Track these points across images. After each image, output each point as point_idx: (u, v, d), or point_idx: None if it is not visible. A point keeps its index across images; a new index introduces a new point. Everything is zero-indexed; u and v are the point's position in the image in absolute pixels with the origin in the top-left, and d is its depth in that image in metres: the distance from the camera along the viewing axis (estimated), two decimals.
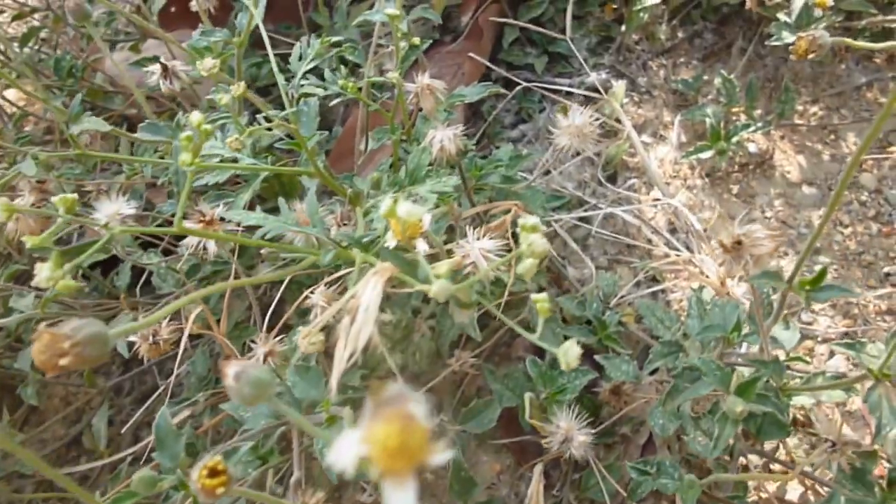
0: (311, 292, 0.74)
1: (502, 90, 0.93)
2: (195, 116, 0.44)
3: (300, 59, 0.76)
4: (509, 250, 0.79)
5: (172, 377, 1.02)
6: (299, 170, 0.72)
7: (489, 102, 1.37)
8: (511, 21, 1.31)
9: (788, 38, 1.16)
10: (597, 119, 0.74)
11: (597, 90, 1.32)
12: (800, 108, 1.33)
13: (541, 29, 1.28)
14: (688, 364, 0.73)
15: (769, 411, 0.67)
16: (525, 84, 1.25)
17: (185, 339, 0.74)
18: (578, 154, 1.30)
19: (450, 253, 0.75)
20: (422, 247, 0.50)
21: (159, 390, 1.04)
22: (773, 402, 0.67)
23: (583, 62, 1.27)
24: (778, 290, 0.69)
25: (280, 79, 0.69)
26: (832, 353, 1.11)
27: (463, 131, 1.31)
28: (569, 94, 1.32)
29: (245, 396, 0.38)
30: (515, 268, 0.89)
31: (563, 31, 1.33)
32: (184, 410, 0.97)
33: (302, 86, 0.75)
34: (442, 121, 0.79)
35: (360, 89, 0.75)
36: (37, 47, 1.29)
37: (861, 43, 0.66)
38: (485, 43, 1.34)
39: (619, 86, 1.30)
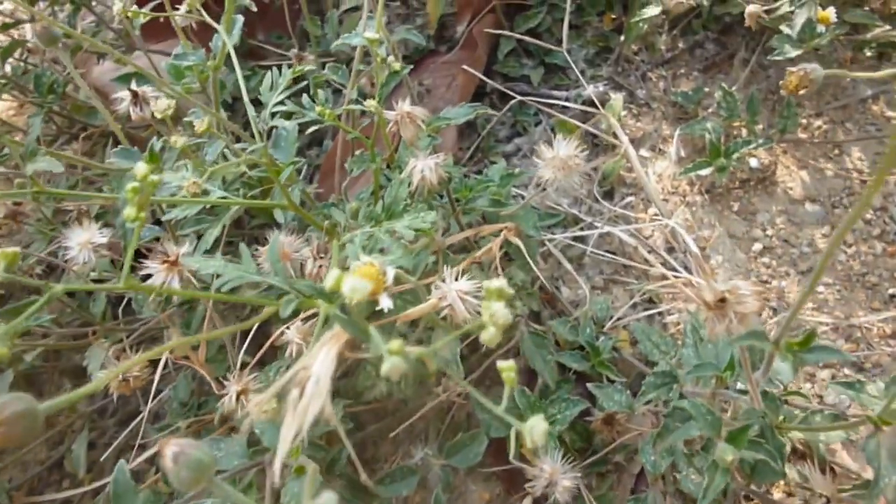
0: (287, 327, 0.71)
1: (490, 111, 0.90)
2: (140, 168, 0.41)
3: (271, 88, 0.73)
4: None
5: (154, 401, 1.00)
6: (272, 203, 0.69)
7: (484, 115, 1.34)
8: (506, 33, 1.27)
9: (791, 52, 1.13)
10: (582, 150, 0.71)
11: (594, 103, 1.29)
12: (803, 121, 1.29)
13: (537, 41, 1.24)
14: (678, 405, 0.70)
15: (762, 458, 0.64)
16: (519, 98, 1.21)
17: (158, 373, 0.71)
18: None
19: (429, 288, 0.72)
20: (385, 303, 0.47)
21: (142, 414, 1.02)
22: (766, 449, 0.64)
23: (579, 75, 1.24)
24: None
25: (250, 110, 0.66)
26: (833, 379, 1.07)
27: (457, 145, 1.29)
28: (565, 107, 1.29)
29: (183, 480, 0.35)
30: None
31: (560, 42, 1.30)
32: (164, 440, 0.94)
33: (274, 115, 0.72)
34: (425, 148, 0.76)
35: (339, 117, 0.72)
36: (23, 59, 1.27)
37: (843, 72, 0.62)
38: (479, 54, 1.31)
39: (617, 99, 1.26)
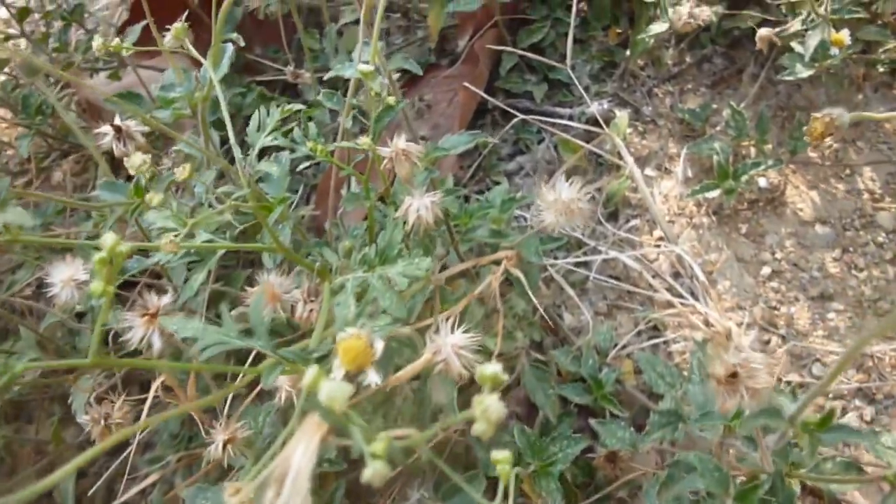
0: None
1: (489, 138, 0.87)
2: (108, 238, 0.38)
3: (258, 129, 0.70)
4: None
5: (145, 432, 0.98)
6: (259, 247, 0.66)
7: (486, 132, 1.31)
8: (508, 49, 1.24)
9: (802, 72, 1.09)
10: (587, 193, 0.68)
11: (603, 116, 1.26)
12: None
13: (539, 57, 1.21)
14: (683, 458, 0.67)
15: None
16: (521, 117, 1.18)
17: (144, 414, 0.69)
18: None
19: (423, 332, 0.69)
20: (373, 378, 0.45)
21: (132, 445, 0.99)
22: None
23: (583, 91, 1.20)
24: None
25: (236, 152, 0.63)
26: (844, 411, 1.04)
27: (457, 164, 1.26)
28: (568, 125, 1.26)
29: None
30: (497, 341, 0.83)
31: (564, 57, 1.26)
32: (154, 473, 0.92)
33: (266, 152, 0.69)
34: (420, 185, 0.73)
35: (331, 153, 0.68)
36: (13, 74, 1.24)
37: (870, 114, 0.59)
38: (481, 70, 1.28)
39: (622, 117, 1.23)
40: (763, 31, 0.99)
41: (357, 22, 1.45)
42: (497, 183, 1.24)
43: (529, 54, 1.23)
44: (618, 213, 1.21)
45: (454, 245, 0.91)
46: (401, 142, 0.68)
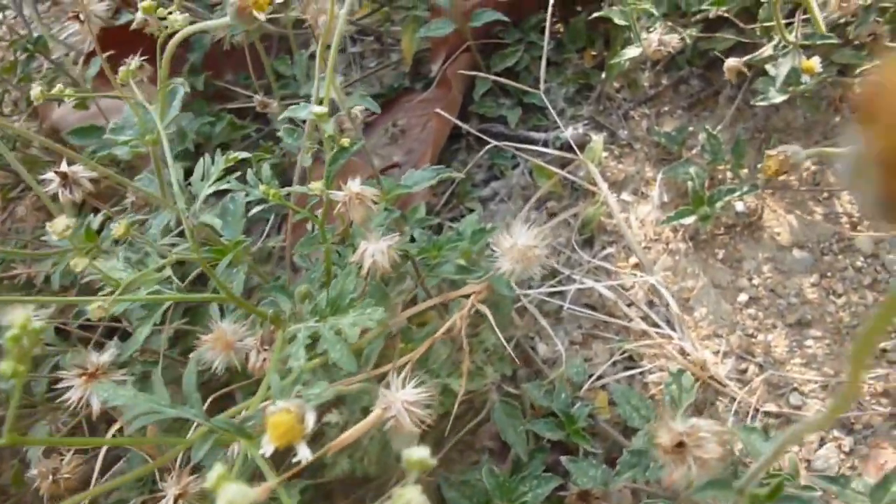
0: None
1: (455, 174, 0.85)
2: (18, 315, 0.36)
3: (203, 178, 0.68)
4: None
5: (108, 475, 0.95)
6: (209, 297, 0.64)
7: (460, 158, 1.29)
8: (480, 74, 1.23)
9: (776, 97, 1.08)
10: (544, 238, 0.66)
11: (576, 142, 1.24)
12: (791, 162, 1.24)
13: (512, 83, 1.20)
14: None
15: None
16: (494, 143, 1.16)
17: (95, 475, 0.67)
18: (554, 215, 1.22)
19: (382, 379, 0.68)
20: (304, 453, 0.43)
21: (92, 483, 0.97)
22: None
23: (556, 117, 1.19)
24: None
25: (180, 202, 0.62)
26: (822, 441, 1.02)
27: (430, 192, 1.24)
28: (544, 148, 1.24)
29: None
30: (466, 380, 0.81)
31: (538, 81, 1.25)
32: None
33: (215, 194, 0.67)
34: (377, 226, 0.71)
35: (288, 195, 0.67)
36: None
37: (828, 149, 0.58)
38: (454, 95, 1.26)
39: (597, 142, 1.22)
40: (731, 62, 0.98)
41: (329, 47, 1.44)
42: (471, 210, 1.23)
43: (502, 79, 1.21)
44: (593, 240, 1.19)
45: (420, 281, 0.89)
46: (355, 185, 0.66)
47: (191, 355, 0.69)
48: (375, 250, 0.66)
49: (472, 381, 0.89)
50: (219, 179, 0.67)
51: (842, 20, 1.12)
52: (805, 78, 0.97)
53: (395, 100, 1.35)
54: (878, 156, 0.25)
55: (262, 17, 0.57)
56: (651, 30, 1.17)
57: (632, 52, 1.08)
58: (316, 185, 0.64)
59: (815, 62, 0.93)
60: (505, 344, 0.84)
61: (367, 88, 1.40)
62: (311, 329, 0.61)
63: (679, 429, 0.44)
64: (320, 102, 0.75)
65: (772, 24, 1.09)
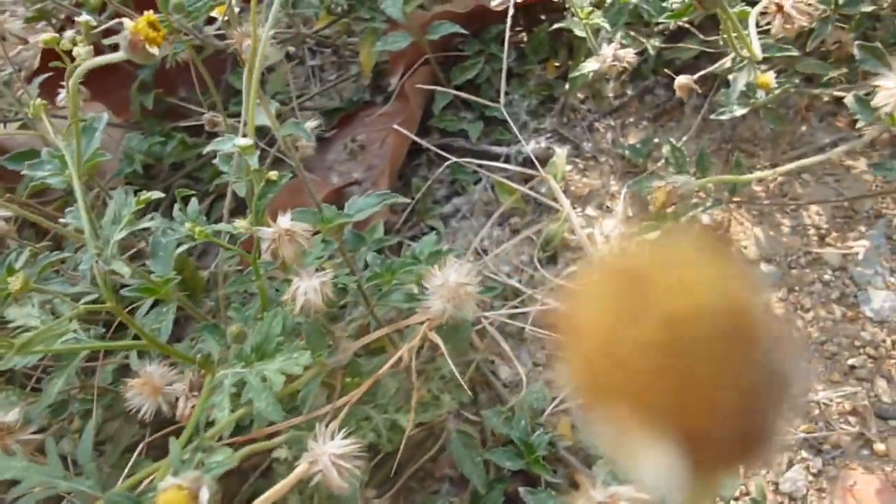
0: None
1: (402, 200, 0.82)
2: None
3: (113, 221, 0.65)
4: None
5: None
6: (129, 344, 0.61)
7: (421, 173, 1.26)
8: (438, 88, 1.19)
9: (737, 110, 1.06)
10: (477, 273, 0.63)
11: (538, 156, 1.21)
12: (757, 173, 1.22)
13: (470, 96, 1.17)
14: None
15: None
16: (453, 160, 1.13)
17: None
18: (517, 232, 1.20)
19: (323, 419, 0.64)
20: None
21: None
22: None
23: (517, 132, 1.16)
24: None
25: (90, 246, 0.58)
26: (791, 463, 1.00)
27: (388, 210, 1.20)
28: (506, 164, 1.21)
29: None
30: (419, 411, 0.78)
31: (500, 94, 1.22)
32: None
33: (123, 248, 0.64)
34: (317, 257, 0.68)
35: (218, 233, 0.63)
36: None
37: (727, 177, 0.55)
38: (414, 109, 1.23)
39: (560, 156, 1.19)
40: (682, 79, 0.95)
41: (287, 60, 1.41)
42: (432, 228, 1.20)
43: (461, 94, 1.18)
44: (557, 257, 1.16)
45: (370, 310, 0.86)
46: (284, 221, 0.63)
47: (133, 381, 0.66)
48: (308, 288, 0.63)
49: (426, 412, 0.86)
50: (130, 223, 0.63)
51: (805, 29, 1.10)
52: (760, 93, 0.94)
53: (355, 114, 1.32)
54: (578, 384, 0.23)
55: (156, 51, 0.54)
56: (612, 40, 1.15)
57: (591, 65, 1.05)
58: (241, 224, 0.61)
59: (771, 77, 0.90)
60: (457, 373, 0.81)
61: (327, 102, 1.37)
62: (237, 375, 0.58)
63: (598, 498, 0.41)
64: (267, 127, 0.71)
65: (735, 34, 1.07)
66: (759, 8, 0.81)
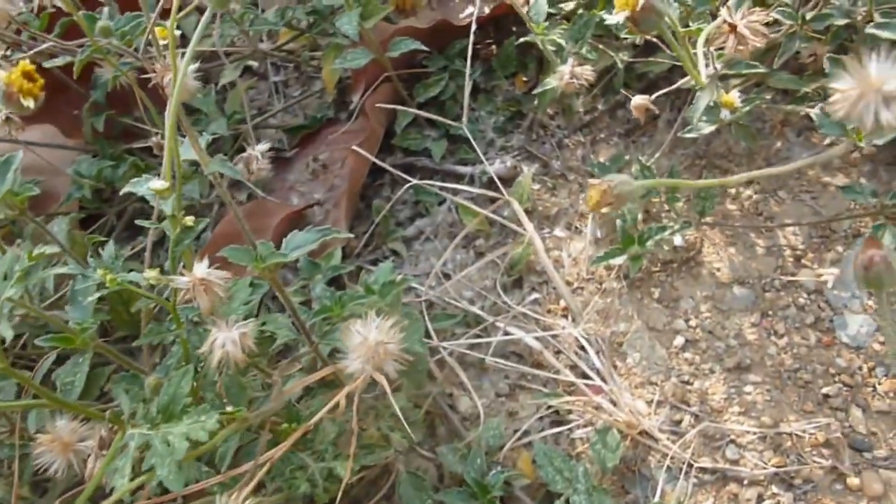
0: None
1: (344, 235, 0.79)
2: None
3: (5, 277, 0.61)
4: None
5: None
6: (30, 403, 0.57)
7: (384, 194, 1.23)
8: (399, 108, 1.16)
9: (705, 128, 1.02)
10: (400, 331, 0.60)
11: (504, 176, 1.18)
12: (731, 191, 1.18)
13: (433, 116, 1.13)
14: None
15: None
16: (413, 182, 1.10)
17: None
18: (482, 255, 1.16)
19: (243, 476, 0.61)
20: None
21: None
22: None
23: (480, 152, 1.12)
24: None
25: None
26: (760, 498, 0.96)
27: (347, 232, 1.17)
28: (469, 186, 1.17)
29: None
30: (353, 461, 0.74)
31: (466, 111, 1.18)
32: None
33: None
34: (244, 302, 0.64)
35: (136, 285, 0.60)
36: None
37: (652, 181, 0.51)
38: (375, 128, 1.19)
39: (526, 176, 1.15)
40: (637, 100, 0.91)
41: (250, 75, 1.37)
42: (395, 252, 1.16)
43: (423, 113, 1.14)
44: (522, 281, 1.13)
45: (314, 349, 0.83)
46: (200, 269, 0.59)
47: (43, 436, 0.63)
48: (226, 339, 0.60)
49: (372, 454, 0.83)
50: (20, 280, 0.59)
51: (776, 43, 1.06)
52: (725, 113, 0.90)
53: (318, 132, 1.28)
54: None
55: (30, 103, 0.50)
56: (578, 54, 1.11)
57: (552, 82, 1.01)
58: (151, 274, 0.57)
59: (735, 96, 0.86)
60: (401, 415, 0.77)
61: (291, 119, 1.33)
62: (143, 437, 0.54)
63: None
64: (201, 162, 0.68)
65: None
66: (710, 29, 0.77)
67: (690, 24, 1.05)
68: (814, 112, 0.83)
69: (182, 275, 0.58)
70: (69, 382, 0.63)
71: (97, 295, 0.63)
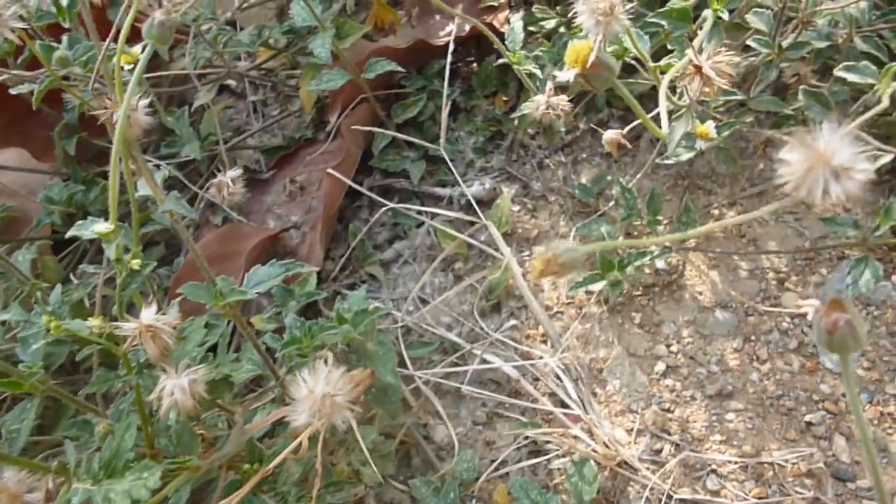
0: None
1: (308, 269, 0.77)
2: None
3: None
4: None
5: None
6: None
7: (362, 216, 1.21)
8: (376, 129, 1.14)
9: (683, 154, 1.00)
10: (350, 378, 0.58)
11: (483, 198, 1.16)
12: (715, 211, 1.16)
13: (410, 138, 1.11)
14: None
15: None
16: (389, 206, 1.08)
17: None
18: (461, 278, 1.14)
19: None
20: None
21: None
22: None
23: (457, 177, 1.10)
24: None
25: None
26: None
27: (322, 257, 1.15)
28: (447, 210, 1.16)
29: None
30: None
31: (445, 132, 1.17)
32: None
33: None
34: (197, 345, 0.62)
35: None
36: None
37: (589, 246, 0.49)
38: (352, 150, 1.17)
39: (504, 198, 1.14)
40: (609, 134, 0.89)
41: (229, 94, 1.35)
42: (372, 276, 1.14)
43: (399, 135, 1.12)
44: (501, 306, 1.11)
45: (279, 384, 0.81)
46: (147, 315, 0.57)
47: None
48: (175, 387, 0.58)
49: (340, 491, 0.81)
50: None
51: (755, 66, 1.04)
52: (700, 143, 0.89)
53: (296, 152, 1.26)
54: None
55: None
56: (556, 77, 1.09)
57: (528, 107, 0.99)
58: (95, 322, 0.55)
59: (710, 127, 0.84)
60: (365, 449, 0.75)
61: (269, 139, 1.31)
62: (86, 493, 0.52)
63: None
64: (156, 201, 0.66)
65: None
66: (670, 75, 0.75)
67: (668, 44, 1.04)
68: (784, 152, 0.81)
69: (128, 321, 0.56)
70: (15, 430, 0.61)
71: (42, 342, 0.61)
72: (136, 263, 0.61)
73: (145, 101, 0.64)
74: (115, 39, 0.65)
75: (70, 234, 0.66)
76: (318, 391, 0.55)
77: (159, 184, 0.66)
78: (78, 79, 0.89)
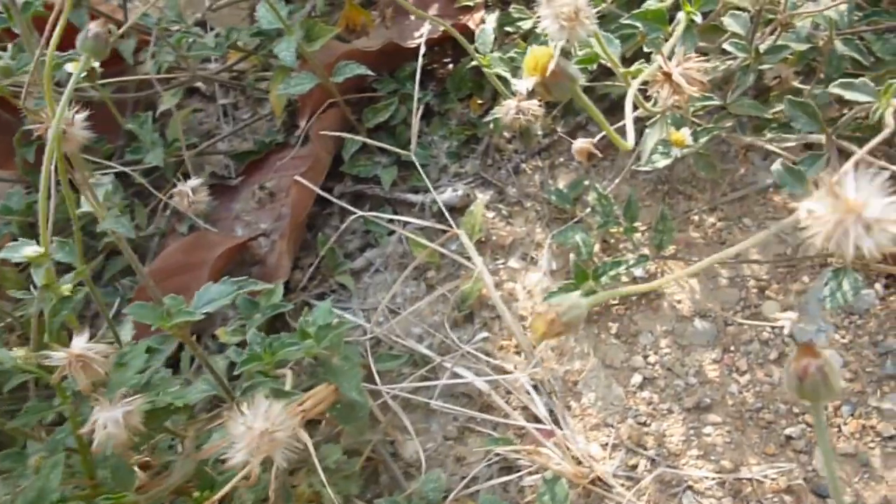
0: None
1: (262, 286, 0.74)
2: None
3: None
4: None
5: None
6: None
7: (333, 223, 1.18)
8: (345, 135, 1.10)
9: (660, 161, 0.97)
10: (289, 415, 0.54)
11: (456, 205, 1.13)
12: (695, 217, 1.13)
13: (380, 143, 1.08)
14: None
15: None
16: (360, 214, 1.05)
17: None
18: (433, 287, 1.11)
19: None
20: None
21: None
22: None
23: (428, 183, 1.07)
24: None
25: None
26: None
27: (289, 267, 1.12)
28: (420, 212, 1.13)
29: None
30: None
31: (419, 135, 1.13)
32: None
33: None
34: (128, 381, 0.59)
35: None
36: None
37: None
38: (321, 156, 1.14)
39: (478, 205, 1.10)
40: (579, 143, 0.86)
41: (195, 95, 1.32)
42: (342, 285, 1.11)
43: (368, 140, 1.09)
44: (473, 316, 1.08)
45: (235, 405, 0.78)
46: (78, 344, 0.54)
47: None
48: (108, 419, 0.54)
49: None
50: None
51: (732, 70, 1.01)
52: (675, 151, 0.86)
53: (266, 157, 1.23)
54: None
55: None
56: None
57: (500, 112, 0.96)
58: (19, 353, 0.52)
59: (686, 134, 0.81)
60: (322, 475, 0.72)
61: (240, 143, 1.28)
62: None
63: None
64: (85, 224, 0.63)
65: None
66: (638, 82, 0.72)
67: (644, 47, 1.00)
68: (774, 167, 0.78)
69: (57, 350, 0.53)
70: None
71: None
72: (66, 289, 0.58)
73: (82, 115, 0.61)
74: (49, 46, 0.62)
75: (1, 256, 0.62)
76: (257, 427, 0.52)
77: (101, 199, 0.63)
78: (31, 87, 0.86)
